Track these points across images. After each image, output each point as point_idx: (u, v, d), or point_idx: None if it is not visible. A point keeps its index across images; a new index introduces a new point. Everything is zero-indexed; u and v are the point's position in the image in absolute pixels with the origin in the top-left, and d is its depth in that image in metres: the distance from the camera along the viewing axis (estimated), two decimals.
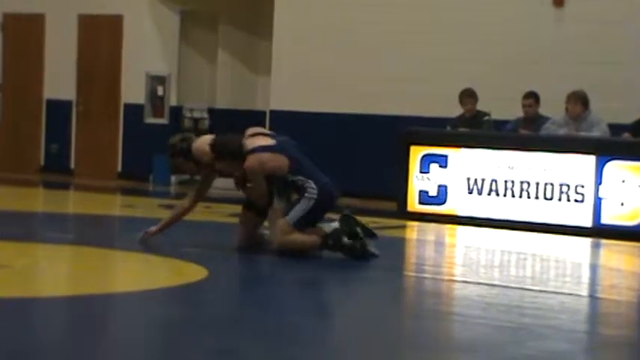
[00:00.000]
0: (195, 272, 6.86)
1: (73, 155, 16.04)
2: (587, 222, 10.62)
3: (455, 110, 12.14)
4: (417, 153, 11.48)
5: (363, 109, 14.02)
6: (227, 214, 10.50)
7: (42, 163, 16.30)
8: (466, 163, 11.26)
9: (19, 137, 16.37)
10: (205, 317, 5.49)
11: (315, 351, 4.98)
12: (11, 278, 6.49)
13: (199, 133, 15.45)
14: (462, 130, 11.73)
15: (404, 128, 11.85)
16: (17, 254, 7.47)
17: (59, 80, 16.04)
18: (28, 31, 16.32)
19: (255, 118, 15.66)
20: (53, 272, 7.09)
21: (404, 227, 10.94)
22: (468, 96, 12.00)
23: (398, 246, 9.64)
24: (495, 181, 11.08)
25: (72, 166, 16.01)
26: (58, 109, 16.10)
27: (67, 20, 15.90)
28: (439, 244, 10.26)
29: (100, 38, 15.89)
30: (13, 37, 16.45)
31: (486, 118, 11.77)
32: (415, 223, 11.13)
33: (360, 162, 13.93)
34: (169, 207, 9.76)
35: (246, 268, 7.54)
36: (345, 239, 7.58)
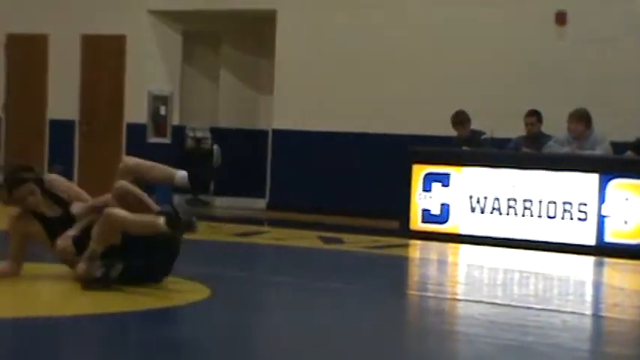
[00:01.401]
0: (197, 292, 6.85)
1: (76, 175, 16.05)
2: (591, 240, 10.60)
3: None
4: (419, 172, 11.48)
5: (366, 128, 14.03)
6: (232, 234, 10.49)
7: None
8: (468, 182, 11.25)
9: (22, 157, 16.37)
10: (201, 338, 5.47)
11: None
12: None
13: (202, 152, 15.56)
14: (464, 148, 11.72)
15: (407, 147, 11.84)
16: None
17: (62, 100, 16.07)
18: (31, 51, 16.36)
19: (257, 137, 15.69)
20: (52, 291, 7.07)
21: (407, 246, 10.92)
22: (457, 123, 11.97)
23: (401, 265, 9.63)
24: (498, 200, 11.07)
25: None
26: (62, 129, 16.13)
27: (70, 40, 15.95)
28: (442, 262, 10.24)
29: (103, 58, 15.92)
30: (16, 57, 16.49)
31: (484, 137, 11.76)
32: (418, 242, 11.11)
33: (363, 181, 13.93)
34: None
35: (249, 290, 7.49)
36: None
